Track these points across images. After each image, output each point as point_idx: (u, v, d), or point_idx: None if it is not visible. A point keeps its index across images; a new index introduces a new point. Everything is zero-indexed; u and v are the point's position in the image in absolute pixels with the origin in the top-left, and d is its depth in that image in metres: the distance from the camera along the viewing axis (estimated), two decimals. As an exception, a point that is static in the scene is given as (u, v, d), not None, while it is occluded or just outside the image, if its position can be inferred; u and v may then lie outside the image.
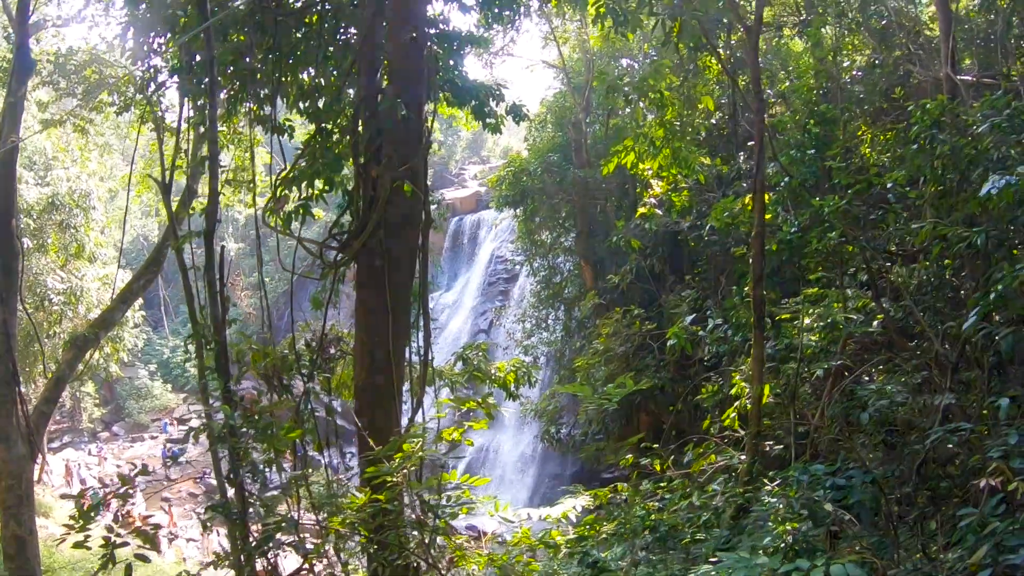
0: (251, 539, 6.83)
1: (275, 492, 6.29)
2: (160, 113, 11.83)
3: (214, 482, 32.35)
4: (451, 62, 10.46)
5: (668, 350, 12.23)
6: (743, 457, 7.24)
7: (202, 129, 12.38)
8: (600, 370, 16.02)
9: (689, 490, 7.06)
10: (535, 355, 22.69)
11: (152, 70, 9.55)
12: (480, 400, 6.08)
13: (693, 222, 17.52)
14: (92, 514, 5.72)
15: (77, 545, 5.69)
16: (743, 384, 7.55)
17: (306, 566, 6.02)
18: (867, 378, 9.50)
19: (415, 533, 5.76)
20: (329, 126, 10.51)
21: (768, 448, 7.36)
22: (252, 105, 10.27)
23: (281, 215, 8.56)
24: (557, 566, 7.01)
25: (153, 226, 48.74)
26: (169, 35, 9.69)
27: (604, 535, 6.59)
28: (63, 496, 30.66)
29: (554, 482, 26.78)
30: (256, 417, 6.05)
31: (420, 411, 9.30)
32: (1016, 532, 4.69)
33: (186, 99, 10.07)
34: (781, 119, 13.18)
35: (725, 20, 12.81)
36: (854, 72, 15.62)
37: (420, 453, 5.54)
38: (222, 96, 12.00)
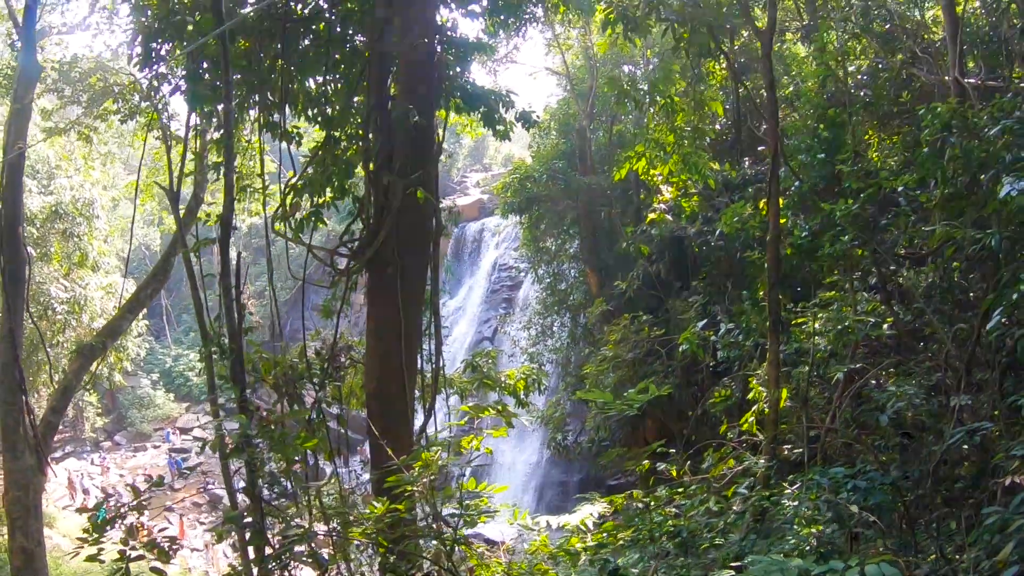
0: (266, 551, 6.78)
1: (285, 502, 6.22)
2: (166, 120, 11.77)
3: (219, 492, 32.27)
4: (458, 69, 10.42)
5: (679, 355, 12.15)
6: (761, 461, 7.16)
7: (208, 137, 12.37)
8: (609, 376, 15.94)
9: (706, 495, 6.98)
10: (540, 362, 22.60)
11: (159, 77, 9.48)
12: (499, 408, 5.99)
13: (700, 228, 17.45)
14: (107, 528, 5.65)
15: (90, 559, 5.61)
16: (760, 388, 7.47)
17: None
18: (874, 382, 9.46)
19: (434, 543, 5.68)
20: (337, 134, 10.48)
21: (787, 452, 7.28)
22: (260, 112, 10.21)
23: (292, 222, 8.49)
24: (574, 574, 6.92)
25: (155, 235, 48.70)
26: (175, 42, 9.64)
27: (621, 542, 6.49)
28: (65, 508, 30.58)
29: (559, 490, 26.66)
30: (271, 427, 5.98)
31: (432, 419, 9.27)
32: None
33: (193, 107, 10.03)
34: (791, 123, 13.11)
35: (728, 26, 12.80)
36: (859, 76, 15.58)
37: (441, 462, 5.46)
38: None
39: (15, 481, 12.29)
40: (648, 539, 6.66)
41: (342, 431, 9.73)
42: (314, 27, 10.22)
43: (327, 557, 5.61)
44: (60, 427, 40.88)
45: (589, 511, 7.13)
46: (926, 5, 16.62)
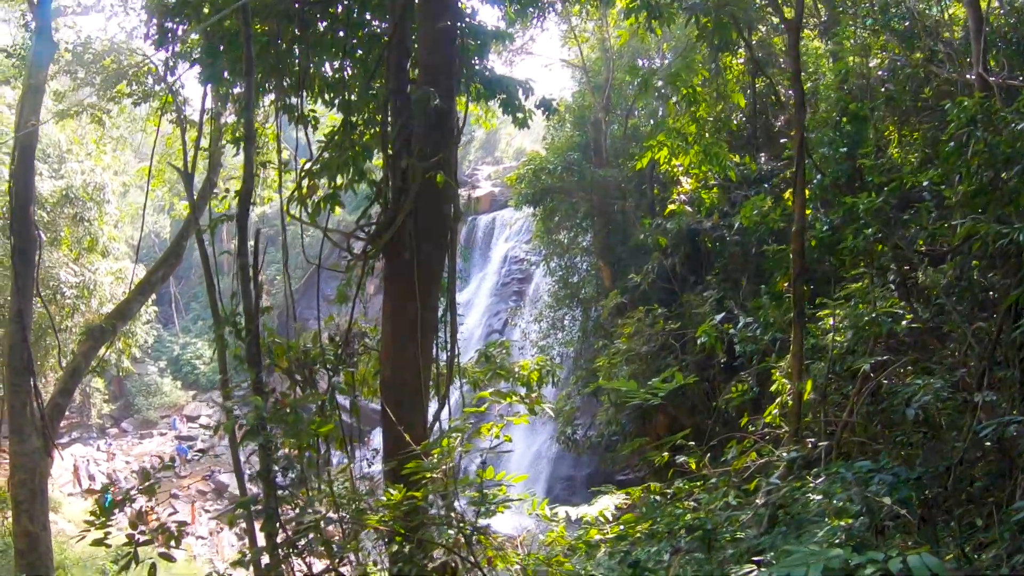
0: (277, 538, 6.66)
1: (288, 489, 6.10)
2: (181, 100, 11.65)
3: (224, 479, 32.22)
4: (477, 59, 10.29)
5: (696, 348, 11.97)
6: (784, 454, 7.02)
7: (223, 120, 12.25)
8: (622, 370, 15.79)
9: (727, 488, 6.84)
10: (550, 355, 22.47)
11: (175, 56, 9.36)
12: (523, 395, 5.85)
13: (716, 222, 17.30)
14: (115, 510, 5.54)
15: (96, 543, 5.49)
16: (784, 380, 7.33)
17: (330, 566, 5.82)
18: (887, 381, 9.33)
19: (452, 532, 5.54)
20: (354, 119, 10.34)
21: (811, 445, 7.15)
22: (276, 95, 10.10)
23: (309, 204, 8.34)
24: (590, 566, 6.79)
25: (165, 222, 48.72)
26: (192, 22, 9.52)
27: (639, 534, 6.36)
28: (70, 495, 30.61)
29: (568, 484, 26.54)
30: (287, 411, 5.85)
31: (446, 407, 9.13)
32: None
33: (208, 88, 9.92)
34: (811, 118, 12.92)
35: (750, 17, 12.64)
36: (878, 72, 15.40)
37: (460, 448, 5.32)
38: (239, 89, 11.87)
39: (21, 464, 12.15)
40: (666, 532, 6.54)
41: (354, 419, 9.62)
42: (331, 10, 10.10)
43: (344, 545, 5.50)
44: (67, 413, 41.14)
45: (607, 503, 7.01)
46: (945, 3, 16.43)
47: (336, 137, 9.70)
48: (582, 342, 22.76)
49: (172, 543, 5.60)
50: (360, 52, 10.30)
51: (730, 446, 7.58)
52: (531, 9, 11.40)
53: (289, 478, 5.45)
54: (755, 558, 6.23)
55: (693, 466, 7.59)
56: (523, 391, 10.56)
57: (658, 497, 7.19)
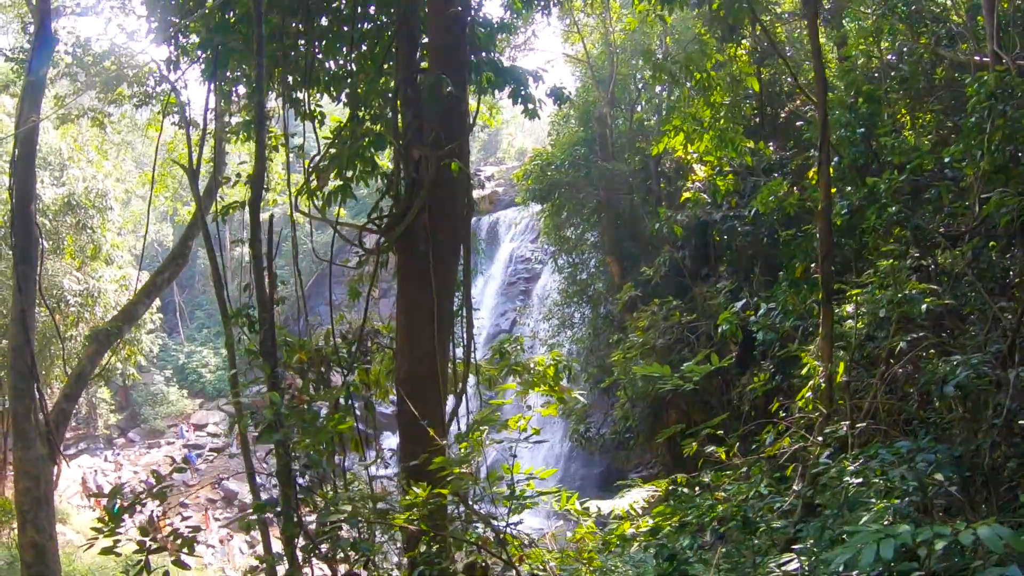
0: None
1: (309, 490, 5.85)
2: (184, 99, 11.44)
3: (233, 487, 31.89)
4: (485, 47, 10.08)
5: (710, 339, 11.76)
6: (819, 438, 6.79)
7: (227, 119, 12.04)
8: (638, 364, 15.57)
9: (761, 476, 6.61)
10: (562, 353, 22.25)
11: (179, 51, 9.14)
12: (552, 385, 5.62)
13: (726, 212, 17.09)
14: (126, 515, 5.29)
15: (105, 552, 5.22)
16: (815, 363, 7.10)
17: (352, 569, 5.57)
18: (910, 366, 9.14)
19: (480, 530, 5.32)
20: (361, 113, 10.14)
21: (847, 429, 6.94)
22: (282, 89, 9.87)
23: (319, 197, 8.12)
24: (620, 563, 6.57)
25: (168, 231, 48.60)
26: (196, 16, 9.32)
27: (670, 528, 6.13)
28: (79, 506, 30.39)
29: (581, 482, 26.29)
30: (305, 407, 5.62)
31: (464, 403, 8.91)
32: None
33: (211, 85, 9.70)
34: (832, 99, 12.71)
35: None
36: (888, 56, 15.21)
37: (488, 443, 5.10)
38: (242, 89, 11.66)
39: (25, 472, 11.84)
40: (697, 525, 6.33)
41: (368, 419, 9.41)
42: (336, 2, 9.89)
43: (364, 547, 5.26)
44: (73, 424, 41.02)
45: (636, 496, 6.79)
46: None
47: (344, 132, 9.50)
48: (593, 339, 22.53)
49: (185, 550, 5.36)
50: (366, 45, 10.09)
51: (767, 431, 7.34)
52: (537, 1, 11.17)
53: (308, 478, 5.20)
54: (794, 546, 6.04)
55: (723, 456, 7.35)
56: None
57: (686, 489, 6.98)
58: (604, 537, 5.97)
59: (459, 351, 9.08)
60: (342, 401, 7.91)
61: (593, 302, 23.11)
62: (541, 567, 5.25)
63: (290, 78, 9.96)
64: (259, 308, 5.67)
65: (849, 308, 9.88)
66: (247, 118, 13.48)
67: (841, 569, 4.03)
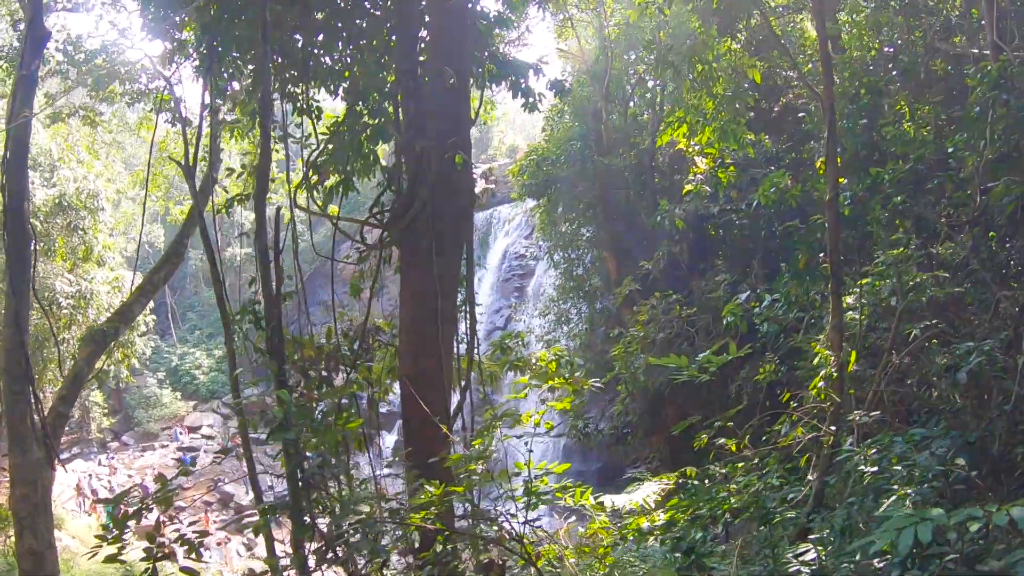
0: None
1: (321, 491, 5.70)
2: (178, 95, 11.26)
3: (229, 490, 31.64)
4: (486, 40, 9.96)
5: (711, 333, 11.70)
6: (832, 428, 6.72)
7: (221, 116, 11.86)
8: (639, 358, 15.48)
9: (776, 467, 6.56)
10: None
11: (175, 46, 8.97)
12: (567, 377, 5.51)
13: (723, 206, 17.04)
14: (133, 521, 5.15)
15: (109, 559, 5.08)
16: (826, 352, 7.05)
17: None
18: (908, 358, 9.12)
19: (495, 527, 5.20)
20: (359, 108, 9.99)
21: (857, 417, 6.89)
22: (280, 84, 9.72)
23: (321, 190, 7.98)
24: (633, 556, 6.48)
25: (159, 232, 48.25)
26: (190, 8, 9.15)
27: (684, 521, 6.05)
28: (73, 511, 30.12)
29: (579, 479, 26.18)
30: (313, 405, 5.50)
31: (468, 398, 8.79)
32: None
33: (206, 80, 9.55)
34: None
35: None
36: (886, 49, 15.19)
37: (504, 438, 4.99)
38: (237, 85, 11.49)
39: (22, 477, 11.55)
40: (709, 517, 6.26)
41: (371, 417, 9.27)
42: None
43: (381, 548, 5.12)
44: (67, 428, 40.67)
45: (648, 490, 6.71)
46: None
47: (342, 127, 9.36)
48: (589, 334, 22.43)
49: (192, 555, 5.22)
50: (364, 40, 9.95)
51: (782, 420, 7.27)
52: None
53: (316, 479, 5.04)
54: (810, 536, 5.99)
55: (733, 448, 7.29)
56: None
57: (695, 482, 6.91)
58: (621, 532, 5.88)
59: (462, 347, 9.00)
60: (345, 400, 7.79)
61: (589, 298, 23.01)
62: (558, 563, 5.14)
63: (287, 73, 9.82)
64: (265, 304, 5.52)
65: (850, 299, 9.87)
66: (241, 116, 13.35)
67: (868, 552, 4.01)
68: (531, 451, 4.93)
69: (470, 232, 8.70)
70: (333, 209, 9.22)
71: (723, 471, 7.10)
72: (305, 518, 4.93)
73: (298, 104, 9.74)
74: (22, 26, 11.63)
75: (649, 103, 24.49)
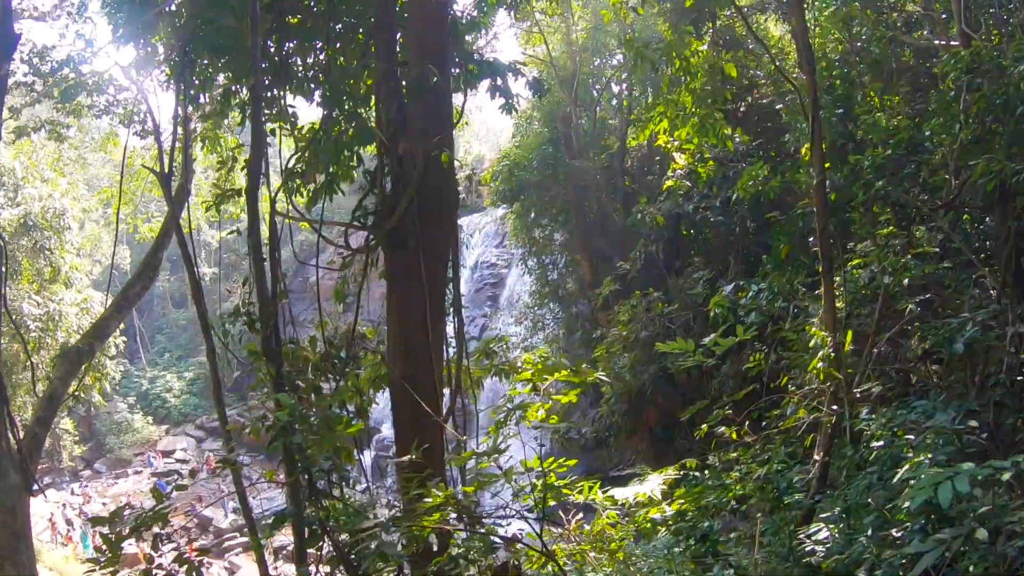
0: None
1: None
2: (146, 108, 11.02)
3: (207, 514, 30.99)
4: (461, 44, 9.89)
5: (711, 319, 11.67)
6: (834, 408, 6.72)
7: (192, 125, 11.65)
8: (623, 357, 15.46)
9: (780, 451, 6.56)
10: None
11: (147, 50, 8.77)
12: (573, 368, 5.42)
13: (697, 204, 17.14)
14: (103, 547, 4.95)
15: None
16: (822, 334, 7.07)
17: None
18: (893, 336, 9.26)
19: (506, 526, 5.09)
20: (336, 113, 9.85)
21: (858, 395, 6.93)
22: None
23: (304, 192, 7.82)
24: (640, 549, 6.42)
25: (125, 253, 47.32)
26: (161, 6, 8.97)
27: (694, 511, 6.01)
28: (47, 543, 29.28)
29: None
30: (313, 411, 5.33)
31: (460, 403, 8.67)
32: None
33: (179, 87, 9.36)
34: (801, 84, 12.78)
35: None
36: (856, 43, 15.43)
37: (514, 435, 4.88)
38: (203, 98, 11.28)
39: (0, 504, 11.16)
40: (715, 505, 6.24)
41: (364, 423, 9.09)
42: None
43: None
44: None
45: (654, 483, 6.65)
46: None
47: (319, 132, 9.21)
48: (566, 338, 22.41)
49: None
50: (340, 43, 9.83)
51: (786, 403, 7.27)
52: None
53: (340, 485, 4.86)
54: (822, 515, 5.98)
55: (734, 436, 7.28)
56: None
57: (697, 473, 6.88)
58: (635, 522, 5.81)
59: (449, 351, 8.86)
60: (335, 409, 7.62)
61: (564, 302, 23.01)
62: (577, 559, 5.04)
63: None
64: (259, 304, 5.34)
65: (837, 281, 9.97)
66: (211, 128, 13.13)
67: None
68: (543, 446, 4.83)
69: (456, 233, 8.60)
70: (339, 190, 8.97)
71: (725, 459, 7.11)
72: (313, 527, 4.74)
73: (274, 110, 9.58)
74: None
75: (617, 107, 24.67)
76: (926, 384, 9.12)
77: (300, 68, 10.07)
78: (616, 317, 16.81)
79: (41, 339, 21.33)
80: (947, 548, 3.99)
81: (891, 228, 8.50)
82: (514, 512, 5.03)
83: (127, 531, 5.10)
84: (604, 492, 5.75)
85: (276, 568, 23.49)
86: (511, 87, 10.02)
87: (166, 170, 8.26)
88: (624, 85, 24.21)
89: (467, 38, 11.07)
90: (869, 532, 5.26)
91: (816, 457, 6.34)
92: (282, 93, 9.31)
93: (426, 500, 4.87)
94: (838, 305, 9.17)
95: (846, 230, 11.27)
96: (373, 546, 4.09)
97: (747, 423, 7.23)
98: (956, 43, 12.76)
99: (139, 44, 9.24)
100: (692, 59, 10.08)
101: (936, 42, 13.78)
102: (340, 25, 9.81)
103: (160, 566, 5.10)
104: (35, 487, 12.05)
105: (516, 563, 4.86)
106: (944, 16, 13.93)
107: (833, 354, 6.76)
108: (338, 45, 9.79)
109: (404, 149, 7.76)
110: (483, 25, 13.29)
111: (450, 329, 8.95)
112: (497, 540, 4.88)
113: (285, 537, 23.07)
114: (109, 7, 9.06)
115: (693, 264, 17.61)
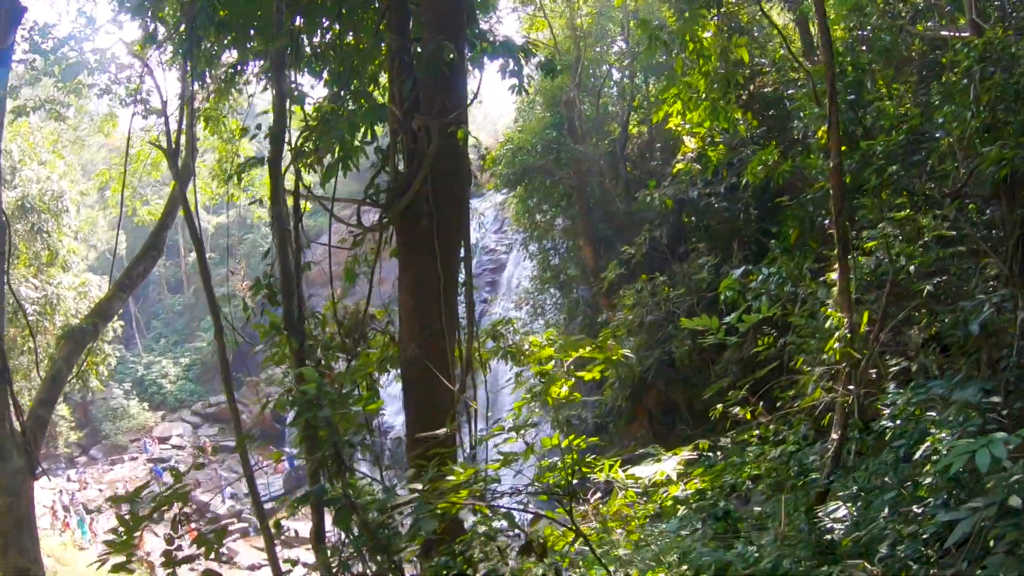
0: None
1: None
2: (156, 80, 10.88)
3: (204, 498, 30.89)
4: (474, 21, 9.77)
5: (721, 302, 11.69)
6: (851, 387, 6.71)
7: (197, 104, 11.52)
8: (629, 341, 15.44)
9: (798, 430, 6.53)
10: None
11: (154, 24, 8.62)
12: (598, 344, 5.36)
13: (701, 190, 17.10)
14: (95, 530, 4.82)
15: (117, 569, 4.76)
16: (838, 315, 7.05)
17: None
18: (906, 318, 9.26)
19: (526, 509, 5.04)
20: (345, 91, 9.73)
21: (875, 375, 6.93)
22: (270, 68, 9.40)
23: (318, 169, 7.71)
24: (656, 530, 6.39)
25: (121, 238, 47.01)
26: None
27: (713, 490, 6.00)
28: (44, 530, 29.13)
29: (561, 469, 26.11)
30: (334, 386, 5.25)
31: (471, 385, 8.61)
32: None
33: (187, 63, 9.25)
34: (814, 70, 12.76)
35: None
36: (862, 32, 15.40)
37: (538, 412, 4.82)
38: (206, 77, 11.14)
39: (3, 487, 10.87)
40: (729, 487, 6.22)
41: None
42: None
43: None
44: (31, 442, 39.37)
45: (671, 463, 6.61)
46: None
47: (330, 109, 9.09)
48: (567, 324, 22.37)
49: (212, 555, 4.95)
50: (349, 20, 9.69)
51: (807, 380, 7.24)
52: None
53: (368, 461, 4.77)
54: (840, 494, 5.97)
55: (748, 416, 7.26)
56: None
57: (710, 454, 6.86)
58: (654, 500, 5.78)
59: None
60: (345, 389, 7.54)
61: (565, 287, 22.98)
62: (603, 537, 5.00)
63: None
64: (282, 275, 5.23)
65: (834, 275, 9.93)
66: (214, 106, 12.98)
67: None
68: (568, 421, 4.77)
69: (468, 211, 8.51)
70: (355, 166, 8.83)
71: (740, 440, 7.10)
72: (342, 505, 4.63)
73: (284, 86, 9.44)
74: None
75: (619, 94, 24.59)
76: (927, 371, 9.14)
77: (308, 46, 9.96)
78: (622, 301, 16.77)
79: (39, 323, 21.14)
80: (981, 517, 3.98)
81: (908, 212, 8.44)
82: (539, 488, 4.96)
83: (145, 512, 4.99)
84: (624, 471, 5.69)
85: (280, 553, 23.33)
86: (523, 67, 10.00)
87: (172, 146, 8.13)
88: (626, 72, 24.14)
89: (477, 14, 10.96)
90: (886, 511, 5.26)
91: (834, 436, 6.31)
92: (291, 71, 9.16)
93: (449, 478, 4.82)
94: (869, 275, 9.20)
95: (851, 217, 11.26)
96: (407, 523, 4.00)
97: (761, 404, 7.23)
98: (965, 34, 12.79)
99: (144, 21, 9.08)
100: (706, 41, 10.00)
101: (943, 33, 13.78)
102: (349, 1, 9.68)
103: (179, 547, 4.99)
104: (39, 470, 11.90)
105: (542, 540, 4.80)
106: (949, 9, 13.94)
107: (849, 334, 6.74)
108: (348, 21, 9.67)
109: (420, 125, 7.67)
110: (492, 7, 13.19)
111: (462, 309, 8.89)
112: (527, 513, 4.81)
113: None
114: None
115: (697, 250, 17.60)
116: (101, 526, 33.44)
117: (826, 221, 12.04)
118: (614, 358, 5.33)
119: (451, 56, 7.38)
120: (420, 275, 7.82)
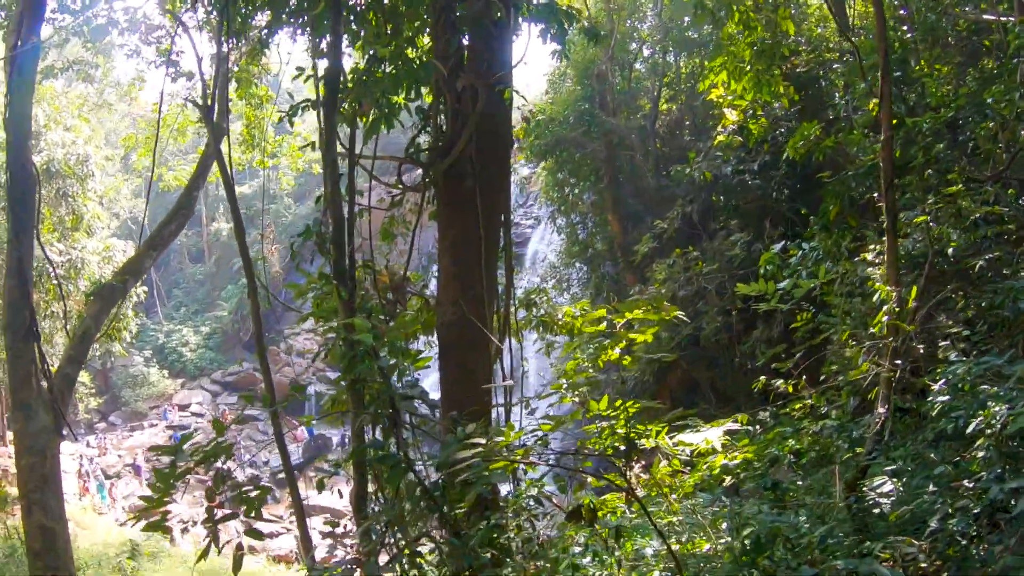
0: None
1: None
2: (190, 39, 10.70)
3: (223, 466, 31.29)
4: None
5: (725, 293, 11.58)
6: (897, 363, 6.57)
7: (231, 64, 11.38)
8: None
9: (845, 404, 6.40)
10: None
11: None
12: (651, 302, 5.22)
13: (736, 167, 16.87)
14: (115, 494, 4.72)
15: (150, 527, 4.66)
16: (886, 289, 6.90)
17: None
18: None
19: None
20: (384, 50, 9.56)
21: (921, 351, 6.78)
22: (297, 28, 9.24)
23: (364, 122, 7.58)
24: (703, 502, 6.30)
25: (142, 205, 47.32)
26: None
27: (759, 462, 5.88)
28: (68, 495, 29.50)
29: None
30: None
31: (508, 354, 8.49)
32: None
33: (223, 23, 9.10)
34: (860, 44, 12.48)
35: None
36: (904, 11, 15.11)
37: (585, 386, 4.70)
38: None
39: (29, 446, 10.63)
40: (769, 461, 6.11)
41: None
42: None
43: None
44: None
45: (714, 434, 6.51)
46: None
47: (370, 67, 8.92)
48: (594, 299, 22.24)
49: (253, 513, 4.85)
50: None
51: (858, 352, 7.10)
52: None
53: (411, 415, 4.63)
54: (888, 468, 5.85)
55: (790, 389, 7.13)
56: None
57: (748, 427, 6.75)
58: (699, 469, 5.68)
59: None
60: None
61: (593, 261, 22.83)
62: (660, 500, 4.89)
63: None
64: (333, 222, 5.10)
65: (869, 256, 9.74)
66: (247, 68, 12.86)
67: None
68: (624, 382, 4.65)
69: (509, 174, 8.36)
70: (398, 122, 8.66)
71: (782, 412, 6.99)
72: (398, 461, 4.50)
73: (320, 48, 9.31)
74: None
75: (651, 70, 24.25)
76: (976, 348, 9.00)
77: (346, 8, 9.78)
78: (653, 276, 16.62)
79: (63, 287, 21.25)
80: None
81: (958, 187, 8.23)
82: (589, 452, 4.86)
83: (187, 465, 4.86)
84: (671, 438, 5.59)
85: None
86: (566, 32, 9.79)
87: (207, 103, 8.01)
88: (657, 48, 23.83)
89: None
90: (931, 487, 5.14)
91: (880, 410, 6.17)
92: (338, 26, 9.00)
93: (498, 439, 4.71)
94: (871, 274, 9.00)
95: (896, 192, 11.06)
96: (474, 479, 3.88)
97: (803, 377, 7.11)
98: (1008, 19, 12.52)
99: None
100: (752, 13, 9.77)
101: (986, 16, 13.48)
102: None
103: (221, 504, 4.88)
104: (65, 430, 11.82)
105: (591, 503, 4.70)
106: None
107: (897, 308, 6.58)
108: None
109: (466, 83, 7.50)
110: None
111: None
112: (581, 474, 4.71)
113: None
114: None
115: (728, 227, 17.40)
116: (120, 491, 33.81)
117: (868, 197, 11.86)
118: (668, 318, 5.19)
119: (499, 14, 7.19)
120: (463, 237, 7.67)
